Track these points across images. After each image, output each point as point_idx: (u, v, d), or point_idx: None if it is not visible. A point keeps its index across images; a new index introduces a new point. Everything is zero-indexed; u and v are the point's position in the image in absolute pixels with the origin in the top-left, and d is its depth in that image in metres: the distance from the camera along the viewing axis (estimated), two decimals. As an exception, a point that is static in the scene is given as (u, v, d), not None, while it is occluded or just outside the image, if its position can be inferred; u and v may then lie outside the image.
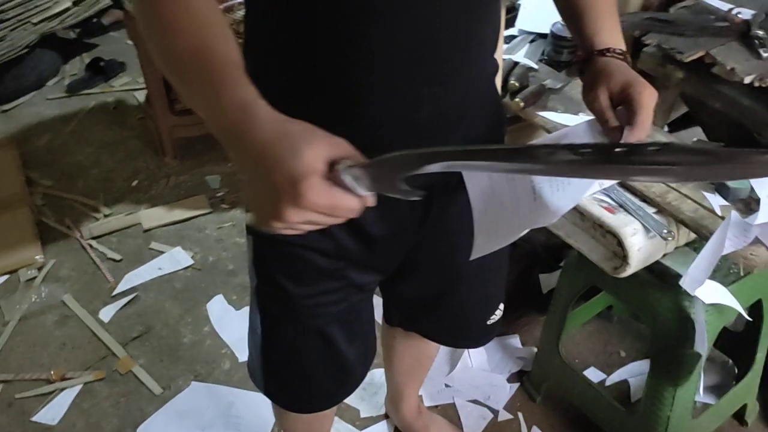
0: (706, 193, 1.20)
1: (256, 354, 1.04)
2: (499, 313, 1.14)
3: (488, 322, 1.14)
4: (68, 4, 2.98)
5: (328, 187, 0.54)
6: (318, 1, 0.71)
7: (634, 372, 1.72)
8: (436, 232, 0.95)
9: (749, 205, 1.17)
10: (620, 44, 0.83)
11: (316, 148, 0.54)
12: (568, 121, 1.42)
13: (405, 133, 0.80)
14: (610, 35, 0.83)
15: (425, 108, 0.79)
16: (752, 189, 1.19)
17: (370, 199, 0.58)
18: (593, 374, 1.72)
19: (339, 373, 1.04)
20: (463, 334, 1.18)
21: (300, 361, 1.01)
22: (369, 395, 1.70)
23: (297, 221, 0.55)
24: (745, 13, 1.49)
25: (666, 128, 1.80)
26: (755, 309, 1.39)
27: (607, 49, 0.82)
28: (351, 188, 0.56)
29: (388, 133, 0.79)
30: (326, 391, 1.07)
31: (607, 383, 1.71)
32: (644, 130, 0.75)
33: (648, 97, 0.75)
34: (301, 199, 0.53)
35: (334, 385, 1.06)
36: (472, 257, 0.84)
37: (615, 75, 0.78)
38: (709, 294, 1.14)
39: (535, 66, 1.59)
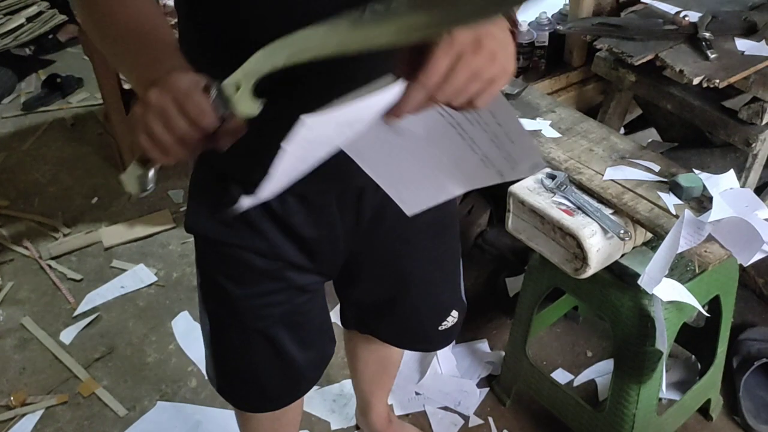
0: (660, 193, 1.23)
1: (207, 353, 1.07)
2: (451, 320, 1.15)
3: (440, 328, 1.14)
4: (22, 20, 2.93)
5: (197, 83, 0.61)
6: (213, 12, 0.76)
7: (601, 371, 1.74)
8: (375, 236, 0.96)
9: (702, 203, 1.20)
10: None
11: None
12: (527, 126, 1.44)
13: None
14: None
15: None
16: (705, 188, 1.22)
17: (235, 122, 0.63)
18: (561, 375, 1.74)
19: (287, 375, 1.05)
20: (415, 338, 1.19)
21: (246, 362, 1.02)
22: (339, 407, 1.69)
23: (156, 103, 0.61)
24: (692, 16, 1.53)
25: (622, 130, 1.83)
26: (714, 305, 1.42)
27: None
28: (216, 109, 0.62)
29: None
30: (274, 391, 1.07)
31: (575, 384, 1.72)
32: (422, 86, 0.59)
33: (445, 44, 0.58)
34: (168, 80, 0.62)
35: (283, 386, 1.07)
36: (409, 213, 0.79)
37: None
38: (667, 292, 1.16)
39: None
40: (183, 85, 0.61)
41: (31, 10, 2.97)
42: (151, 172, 0.68)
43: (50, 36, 3.16)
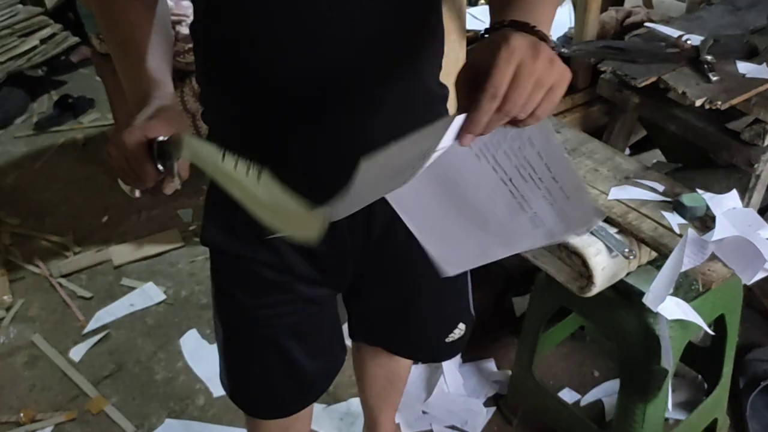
0: (664, 213, 1.24)
1: (220, 360, 1.09)
2: (458, 332, 1.16)
3: (447, 340, 1.16)
4: (36, 42, 2.99)
5: (140, 144, 0.71)
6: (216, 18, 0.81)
7: (608, 391, 1.74)
8: (385, 252, 0.98)
9: (706, 223, 1.21)
10: (532, 21, 0.62)
11: (155, 124, 0.72)
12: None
13: (330, 168, 0.81)
14: (521, 12, 0.64)
15: (345, 140, 0.81)
16: (708, 208, 1.23)
17: (171, 177, 0.72)
18: (568, 395, 1.74)
19: (296, 383, 1.07)
20: (423, 349, 1.21)
21: (256, 369, 1.04)
22: (346, 426, 1.69)
23: (114, 154, 0.73)
24: (694, 40, 1.55)
25: (627, 151, 1.86)
26: (719, 324, 1.43)
27: (503, 22, 0.63)
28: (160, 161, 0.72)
29: (309, 170, 0.84)
30: (284, 398, 1.09)
31: (582, 403, 1.72)
32: (492, 97, 0.57)
33: (505, 53, 0.56)
34: (120, 137, 0.71)
35: (292, 393, 1.09)
36: (449, 273, 0.78)
37: (483, 43, 0.61)
38: (672, 310, 1.17)
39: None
40: (131, 143, 0.71)
41: (45, 32, 3.03)
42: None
43: (63, 57, 3.22)
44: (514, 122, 0.60)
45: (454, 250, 0.77)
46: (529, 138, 0.63)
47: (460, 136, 0.60)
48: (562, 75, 0.59)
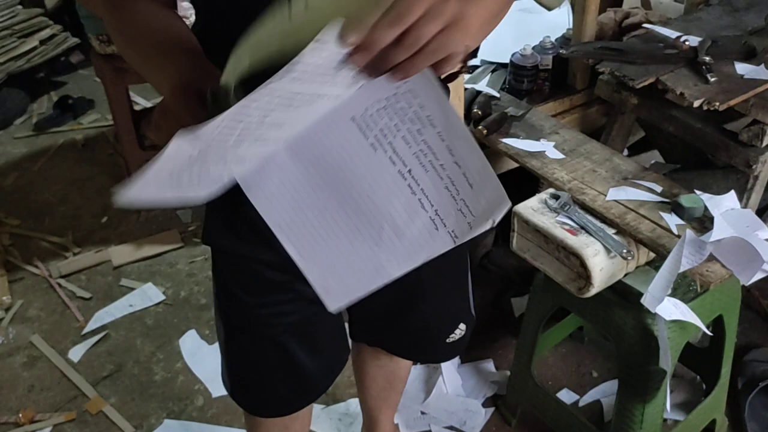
0: (662, 213, 1.25)
1: (221, 358, 1.09)
2: (459, 333, 1.16)
3: (448, 341, 1.16)
4: (35, 43, 2.99)
5: (191, 100, 0.60)
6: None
7: (606, 392, 1.74)
8: None
9: (704, 224, 1.21)
10: None
11: (197, 75, 0.64)
12: (530, 147, 1.46)
13: None
14: None
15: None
16: (706, 209, 1.24)
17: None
18: (566, 396, 1.74)
19: (297, 382, 1.07)
20: (423, 350, 1.21)
21: (257, 368, 1.05)
22: (345, 426, 1.69)
23: (165, 124, 0.62)
24: (693, 41, 1.55)
25: (625, 152, 1.86)
26: (717, 325, 1.43)
27: None
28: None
29: None
30: (284, 398, 1.10)
31: (581, 404, 1.72)
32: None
33: None
34: (167, 105, 0.63)
35: (292, 393, 1.09)
36: (332, 308, 0.67)
37: None
38: (670, 311, 1.17)
39: (497, 94, 1.64)
40: (179, 105, 0.62)
41: (45, 33, 3.03)
42: None
43: (63, 58, 3.22)
44: (402, 67, 0.52)
45: (339, 275, 0.63)
46: (428, 117, 0.55)
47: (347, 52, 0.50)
48: (466, 14, 0.52)
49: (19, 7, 2.99)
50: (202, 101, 0.60)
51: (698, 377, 1.70)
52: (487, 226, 0.58)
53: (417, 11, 0.50)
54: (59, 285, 2.12)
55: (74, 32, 3.11)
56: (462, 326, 1.16)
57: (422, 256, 0.60)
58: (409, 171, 0.56)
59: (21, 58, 2.95)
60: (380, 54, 0.51)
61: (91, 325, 1.98)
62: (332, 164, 0.57)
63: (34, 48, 2.98)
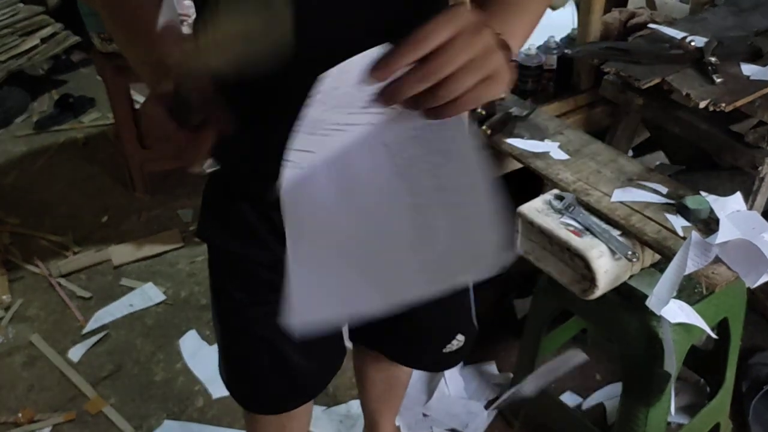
0: (668, 215, 1.23)
1: (219, 354, 1.10)
2: (456, 343, 1.15)
3: (444, 351, 1.15)
4: (36, 41, 2.98)
5: (158, 109, 0.61)
6: None
7: (610, 395, 1.73)
8: None
9: (709, 225, 1.20)
10: (502, 31, 0.59)
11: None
12: (535, 148, 1.45)
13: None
14: (495, 19, 0.62)
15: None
16: (712, 210, 1.22)
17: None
18: (570, 398, 1.73)
19: (290, 382, 1.07)
20: (420, 358, 1.20)
21: (251, 365, 1.05)
22: (346, 428, 1.68)
23: (147, 126, 0.63)
24: (699, 41, 1.54)
25: (630, 152, 1.85)
26: (722, 327, 1.42)
27: None
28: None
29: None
30: (276, 396, 1.10)
31: (584, 407, 1.71)
32: (413, 44, 0.52)
33: (446, 14, 0.52)
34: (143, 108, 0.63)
35: (284, 392, 1.09)
36: (291, 326, 0.62)
37: None
38: (675, 313, 1.16)
39: (501, 94, 1.63)
40: (151, 109, 0.63)
41: (46, 32, 3.02)
42: None
43: (63, 57, 3.22)
44: (436, 111, 0.54)
45: (320, 293, 0.58)
46: (450, 151, 0.56)
47: (371, 71, 0.52)
48: (501, 67, 0.54)
49: (21, 5, 2.99)
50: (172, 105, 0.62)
51: (702, 380, 1.69)
52: (486, 274, 0.56)
53: (456, 63, 0.52)
54: (59, 284, 2.11)
55: (75, 31, 3.10)
56: (460, 337, 1.15)
57: (409, 294, 0.58)
58: (427, 205, 0.56)
59: (22, 56, 2.94)
60: (414, 99, 0.53)
61: (91, 325, 1.97)
62: (358, 186, 0.57)
63: (36, 46, 2.98)
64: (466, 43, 0.52)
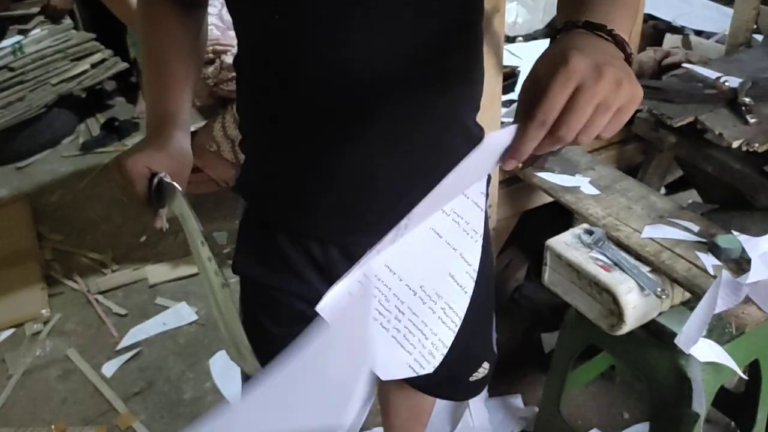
0: (699, 253, 1.23)
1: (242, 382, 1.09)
2: (482, 371, 1.15)
3: (471, 379, 1.15)
4: (86, 66, 3.11)
5: (141, 176, 0.79)
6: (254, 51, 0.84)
7: (637, 434, 1.70)
8: None
9: (741, 265, 1.20)
10: (609, 23, 0.59)
11: (159, 157, 0.79)
12: (565, 182, 1.47)
13: (366, 198, 0.84)
14: (597, 12, 0.61)
15: (384, 171, 0.83)
16: (744, 250, 1.22)
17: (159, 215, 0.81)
18: (596, 436, 1.71)
19: None
20: (446, 387, 1.20)
21: None
22: (369, 455, 1.68)
23: (117, 176, 0.81)
24: (733, 82, 1.55)
25: (662, 190, 1.84)
26: (753, 368, 1.40)
27: (576, 22, 0.59)
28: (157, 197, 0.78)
29: (345, 201, 0.86)
30: None
31: (610, 445, 1.69)
32: (540, 124, 0.53)
33: (562, 75, 0.52)
34: (125, 161, 0.79)
35: None
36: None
37: (548, 52, 0.57)
38: (705, 352, 1.15)
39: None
40: (133, 171, 0.78)
41: (96, 57, 3.15)
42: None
43: (99, 86, 3.32)
44: (576, 142, 0.56)
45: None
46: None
47: (504, 158, 0.56)
48: (632, 95, 0.53)
49: (73, 31, 3.13)
50: (150, 180, 0.78)
51: (732, 423, 1.65)
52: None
53: (586, 117, 0.53)
54: (96, 301, 2.18)
55: (124, 57, 3.23)
56: (486, 365, 1.15)
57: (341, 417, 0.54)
58: (395, 310, 0.64)
59: (72, 80, 3.07)
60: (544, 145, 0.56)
61: (126, 342, 2.02)
62: (407, 269, 0.63)
63: (85, 71, 3.11)
64: (591, 95, 0.52)
